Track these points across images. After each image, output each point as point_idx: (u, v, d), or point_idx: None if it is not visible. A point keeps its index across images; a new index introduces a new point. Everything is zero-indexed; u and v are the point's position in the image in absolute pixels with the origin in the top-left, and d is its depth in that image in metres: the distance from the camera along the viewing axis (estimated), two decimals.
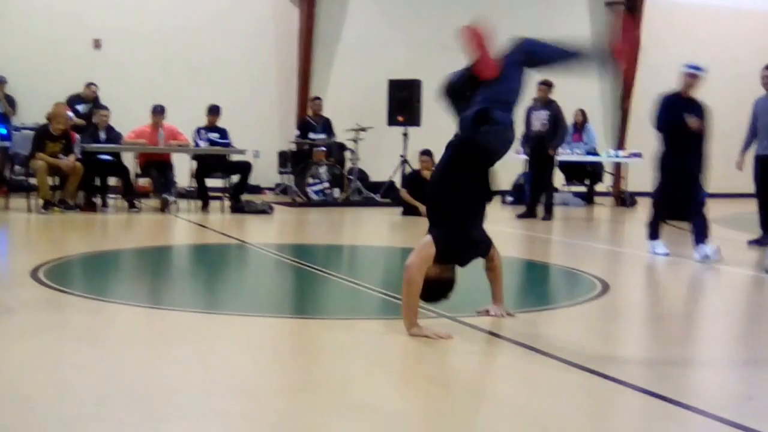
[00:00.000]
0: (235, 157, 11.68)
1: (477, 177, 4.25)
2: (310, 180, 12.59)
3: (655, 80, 16.34)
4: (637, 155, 14.41)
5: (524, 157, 12.51)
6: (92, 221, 9.82)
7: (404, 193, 11.44)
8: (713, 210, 7.46)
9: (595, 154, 14.29)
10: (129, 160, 11.48)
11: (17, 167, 11.11)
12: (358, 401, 3.10)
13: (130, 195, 11.01)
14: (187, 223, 9.84)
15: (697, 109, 7.48)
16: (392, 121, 13.40)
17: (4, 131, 11.63)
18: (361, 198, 13.16)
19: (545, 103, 11.39)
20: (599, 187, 14.98)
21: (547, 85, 11.35)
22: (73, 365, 3.55)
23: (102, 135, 11.13)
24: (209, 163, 11.62)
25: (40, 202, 10.14)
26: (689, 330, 4.85)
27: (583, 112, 14.29)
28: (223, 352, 3.82)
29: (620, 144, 16.94)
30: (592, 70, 4.37)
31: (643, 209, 12.97)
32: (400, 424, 2.91)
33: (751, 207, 8.93)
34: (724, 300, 6.06)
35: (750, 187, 8.85)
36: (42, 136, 10.37)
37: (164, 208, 10.80)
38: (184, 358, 3.73)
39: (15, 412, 2.89)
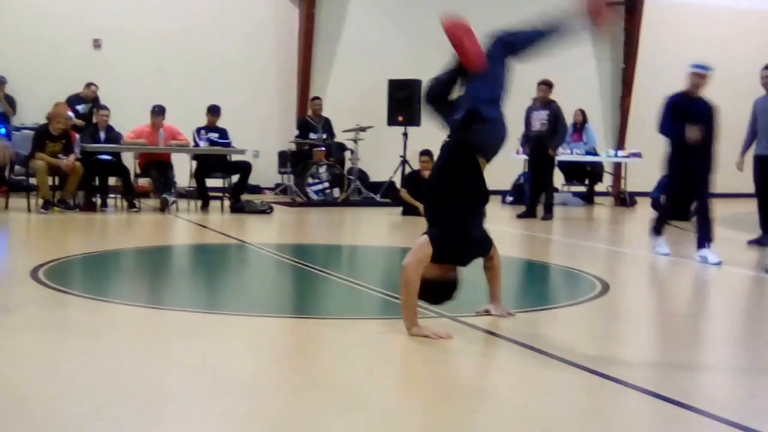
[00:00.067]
0: (235, 157, 11.68)
1: (475, 177, 4.24)
2: (310, 180, 12.59)
3: (655, 80, 16.45)
4: (637, 155, 14.42)
5: (524, 157, 12.52)
6: (92, 221, 9.82)
7: (404, 193, 11.44)
8: (713, 210, 7.42)
9: (595, 154, 14.29)
10: (129, 160, 11.48)
11: (17, 167, 11.11)
12: (358, 401, 3.10)
13: (130, 195, 11.01)
14: (187, 223, 9.84)
15: (704, 109, 7.34)
16: (392, 121, 13.40)
17: (3, 131, 11.63)
18: (360, 198, 13.16)
19: (545, 103, 11.39)
20: (599, 187, 14.98)
21: (547, 85, 11.36)
22: (73, 365, 3.55)
23: (102, 135, 11.13)
24: (209, 163, 11.63)
25: (40, 202, 10.14)
26: (689, 330, 4.84)
27: (582, 112, 14.30)
28: (223, 352, 3.82)
29: (620, 144, 16.95)
30: (574, 38, 4.37)
31: (643, 209, 13.00)
32: (401, 423, 2.91)
33: (751, 207, 8.93)
34: (724, 300, 6.06)
35: (750, 187, 8.85)
36: (42, 136, 10.38)
37: (164, 208, 10.80)
38: (184, 358, 3.73)
39: (15, 412, 2.89)
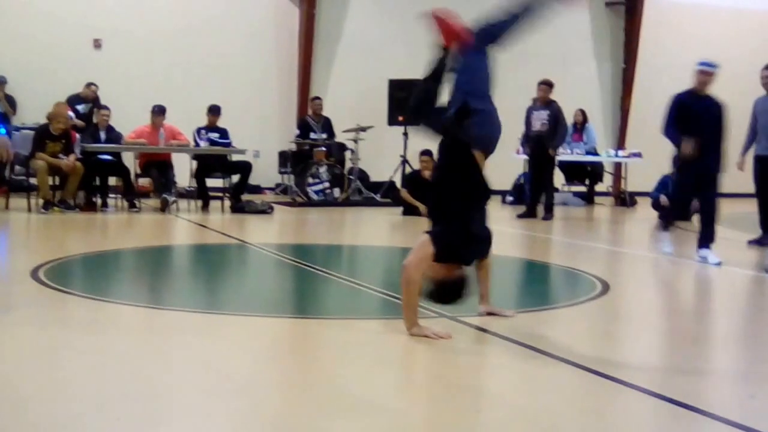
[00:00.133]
0: (235, 157, 11.68)
1: (473, 172, 4.21)
2: (311, 180, 12.59)
3: (655, 80, 16.47)
4: (637, 155, 14.42)
5: (524, 157, 12.52)
6: (92, 221, 9.82)
7: (404, 193, 11.44)
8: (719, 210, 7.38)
9: (595, 154, 14.29)
10: (129, 160, 11.48)
11: (17, 167, 11.11)
12: (358, 401, 3.10)
13: (131, 195, 11.01)
14: (188, 223, 9.84)
15: (712, 106, 7.22)
16: (392, 121, 13.39)
17: (3, 131, 11.63)
18: (361, 198, 13.15)
19: (545, 103, 11.39)
20: (599, 187, 14.97)
21: (547, 84, 11.36)
22: (74, 365, 3.55)
23: (102, 135, 11.13)
24: (209, 163, 11.63)
25: (41, 201, 10.14)
26: (689, 330, 4.84)
27: (583, 112, 14.29)
28: (223, 352, 3.82)
29: (620, 144, 16.94)
30: (552, 10, 4.37)
31: (644, 209, 13.00)
32: (401, 423, 2.91)
33: (751, 207, 8.93)
34: (725, 300, 6.06)
35: (750, 187, 8.85)
36: (42, 135, 10.38)
37: (164, 208, 10.80)
38: (184, 358, 3.73)
39: (15, 412, 2.89)
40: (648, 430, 3.00)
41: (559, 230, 10.34)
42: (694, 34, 17.05)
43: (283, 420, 2.92)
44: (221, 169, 11.67)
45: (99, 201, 11.06)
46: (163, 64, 14.21)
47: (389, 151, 13.62)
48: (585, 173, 14.68)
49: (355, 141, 13.16)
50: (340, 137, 13.60)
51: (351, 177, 13.21)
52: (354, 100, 14.79)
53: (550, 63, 15.23)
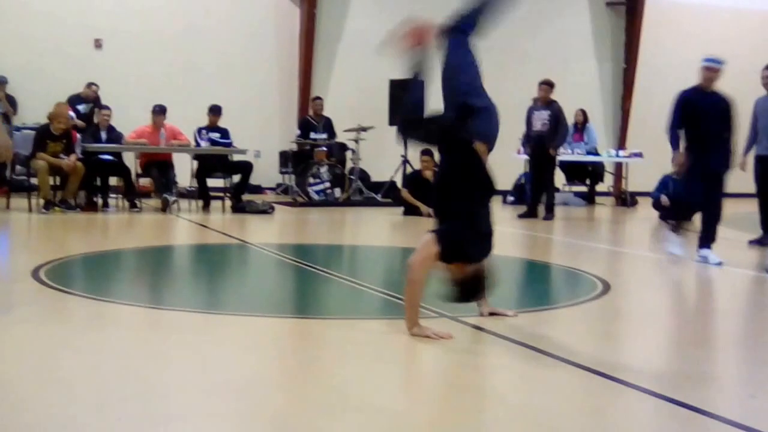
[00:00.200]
0: (236, 157, 11.68)
1: (476, 166, 4.19)
2: (311, 180, 12.59)
3: (656, 80, 16.48)
4: (638, 155, 14.42)
5: (525, 157, 12.52)
6: (93, 221, 9.83)
7: (405, 193, 11.44)
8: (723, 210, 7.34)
9: (596, 153, 14.29)
10: (130, 160, 11.49)
11: (18, 167, 11.12)
12: (358, 401, 3.10)
13: (131, 195, 11.02)
14: (188, 223, 9.84)
15: (718, 103, 7.12)
16: (393, 121, 13.36)
17: None
18: (362, 198, 13.16)
19: (546, 103, 11.39)
20: (600, 187, 14.98)
21: (548, 85, 11.36)
22: (74, 365, 3.55)
23: (103, 135, 11.14)
24: (210, 163, 11.63)
25: (41, 201, 10.15)
26: (689, 330, 4.84)
27: (583, 112, 14.30)
28: (223, 352, 3.82)
29: (621, 144, 16.94)
30: None
31: (644, 209, 13.00)
32: (401, 423, 2.91)
33: (751, 207, 8.92)
34: (725, 300, 6.06)
35: (750, 186, 8.84)
36: (43, 135, 10.39)
37: (165, 208, 10.80)
38: (184, 358, 3.73)
39: (14, 411, 2.89)
40: (648, 431, 2.99)
41: (559, 230, 10.34)
42: (694, 34, 17.05)
43: (283, 420, 2.92)
44: (222, 169, 11.68)
45: (100, 201, 11.06)
46: (164, 63, 14.22)
47: (390, 151, 13.56)
48: (586, 173, 14.68)
49: (356, 141, 13.16)
50: (341, 137, 13.60)
51: (352, 177, 13.21)
52: (355, 100, 14.78)
53: (550, 63, 15.25)
